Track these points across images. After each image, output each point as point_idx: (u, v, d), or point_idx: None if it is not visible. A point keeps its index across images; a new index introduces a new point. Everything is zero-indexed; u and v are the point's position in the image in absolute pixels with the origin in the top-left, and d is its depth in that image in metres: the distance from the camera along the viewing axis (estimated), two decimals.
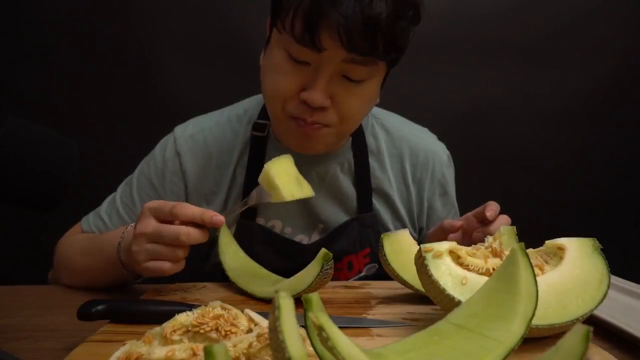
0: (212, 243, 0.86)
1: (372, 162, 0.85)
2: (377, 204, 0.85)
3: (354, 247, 0.82)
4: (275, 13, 0.66)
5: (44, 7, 1.47)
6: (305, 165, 0.80)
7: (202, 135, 0.84)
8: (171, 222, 0.60)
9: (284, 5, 0.63)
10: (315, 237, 0.84)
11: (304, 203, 0.82)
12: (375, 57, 0.63)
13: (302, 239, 0.83)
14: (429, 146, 0.90)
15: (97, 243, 0.75)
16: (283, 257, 0.80)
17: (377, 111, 0.90)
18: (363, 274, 0.84)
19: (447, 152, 0.93)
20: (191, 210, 0.59)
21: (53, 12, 1.47)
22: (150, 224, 0.59)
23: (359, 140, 0.84)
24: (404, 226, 0.87)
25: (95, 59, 1.50)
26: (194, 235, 0.59)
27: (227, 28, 1.49)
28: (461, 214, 0.79)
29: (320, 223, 0.83)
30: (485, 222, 0.68)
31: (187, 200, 0.83)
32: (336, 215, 0.83)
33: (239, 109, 0.87)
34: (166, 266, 0.60)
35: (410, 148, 0.88)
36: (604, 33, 1.55)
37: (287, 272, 0.68)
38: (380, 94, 0.76)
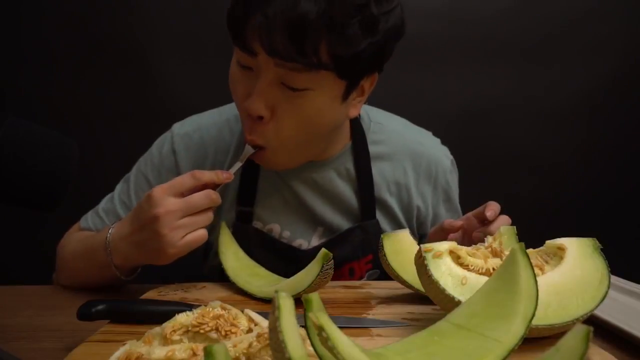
0: (212, 243, 0.86)
1: (373, 168, 0.83)
2: (377, 211, 0.84)
3: (356, 254, 0.81)
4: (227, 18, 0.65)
5: (44, 7, 1.47)
6: (302, 171, 0.80)
7: (199, 133, 0.83)
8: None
9: (230, 7, 0.63)
10: (315, 240, 0.83)
11: (302, 207, 0.82)
12: (303, 64, 0.58)
13: (302, 243, 0.82)
14: (431, 153, 0.87)
15: (88, 245, 0.74)
16: (282, 262, 0.78)
17: (379, 115, 0.88)
18: (364, 280, 0.83)
19: (451, 156, 0.90)
20: (207, 174, 0.61)
21: (53, 12, 1.47)
22: (174, 202, 0.59)
23: (360, 145, 0.82)
24: None
25: (95, 59, 1.50)
26: (216, 195, 0.62)
27: (227, 28, 1.49)
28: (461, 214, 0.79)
29: (319, 226, 0.83)
30: (485, 222, 0.68)
31: None
32: (335, 219, 0.82)
33: (237, 108, 0.86)
34: (204, 232, 0.62)
35: (412, 155, 0.85)
36: (604, 33, 1.55)
37: (285, 275, 0.67)
38: (353, 108, 0.71)
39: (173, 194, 0.60)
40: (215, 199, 0.61)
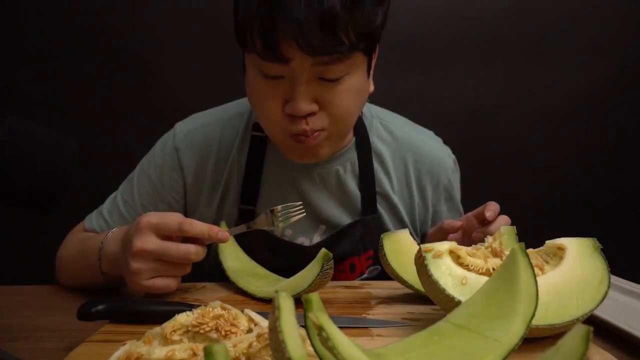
0: (212, 243, 0.86)
1: (376, 164, 0.84)
2: (380, 207, 0.84)
3: (357, 250, 0.81)
4: (236, 34, 0.65)
5: (44, 7, 1.47)
6: (307, 167, 0.80)
7: (202, 130, 0.83)
8: (171, 237, 0.59)
9: (240, 24, 0.62)
10: (317, 238, 0.82)
11: (305, 205, 0.81)
12: (342, 53, 0.61)
13: (304, 241, 0.82)
14: (434, 152, 0.88)
15: (84, 248, 0.74)
16: (283, 259, 0.79)
17: (383, 113, 0.89)
18: (365, 275, 0.83)
19: (453, 156, 0.91)
20: (199, 226, 0.59)
21: (53, 12, 1.47)
22: (153, 241, 0.57)
23: (363, 141, 0.83)
24: None
25: (95, 58, 1.51)
26: (201, 252, 0.59)
27: (227, 28, 1.49)
28: None
29: (322, 224, 0.83)
30: (485, 222, 0.68)
31: (185, 197, 0.84)
32: (339, 216, 0.82)
33: (241, 106, 0.86)
34: (173, 284, 0.60)
35: (415, 153, 0.86)
36: (604, 33, 1.55)
37: (287, 273, 0.67)
38: (373, 82, 0.74)
39: (157, 232, 0.58)
40: (192, 258, 0.59)
